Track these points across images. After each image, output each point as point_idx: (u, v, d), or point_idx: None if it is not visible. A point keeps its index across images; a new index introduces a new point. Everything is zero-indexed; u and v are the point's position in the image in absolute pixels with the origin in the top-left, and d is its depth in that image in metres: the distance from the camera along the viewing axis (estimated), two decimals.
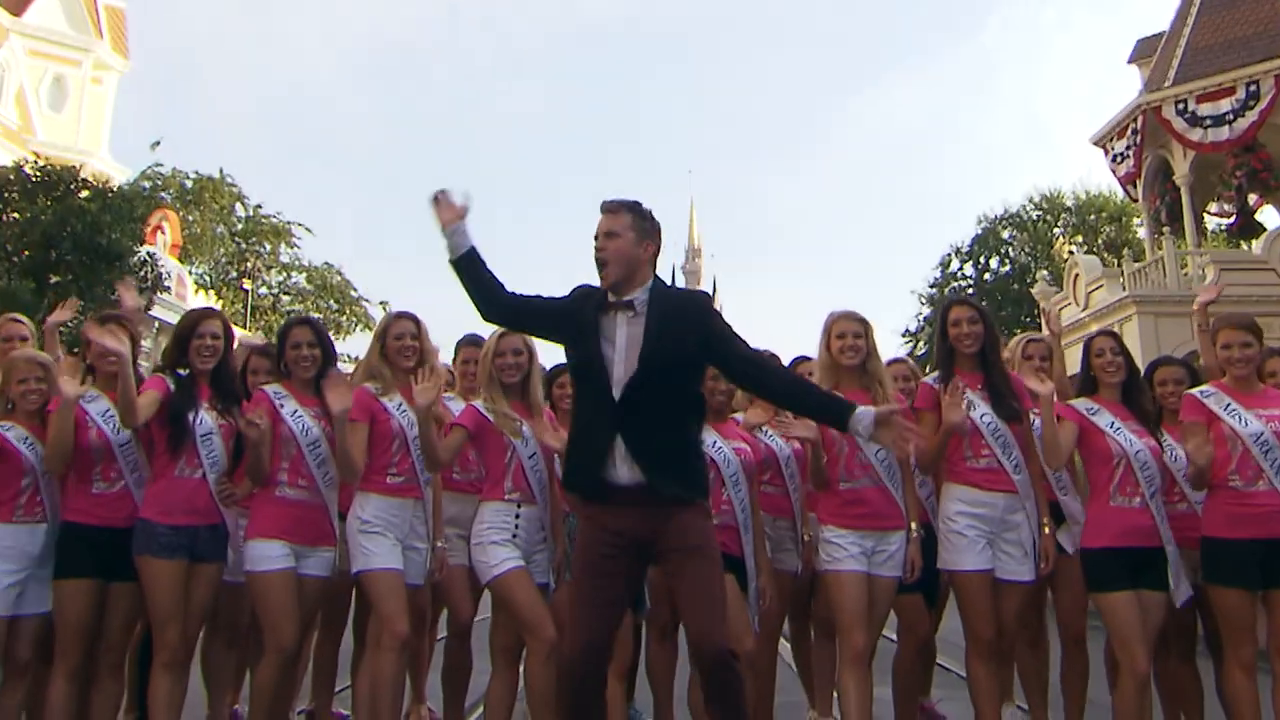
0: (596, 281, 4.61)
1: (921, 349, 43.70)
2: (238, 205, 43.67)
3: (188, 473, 5.38)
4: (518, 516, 5.54)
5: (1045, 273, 36.99)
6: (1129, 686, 5.31)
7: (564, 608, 5.17)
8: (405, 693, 6.17)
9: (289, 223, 44.50)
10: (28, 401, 5.36)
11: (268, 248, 44.01)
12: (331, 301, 44.94)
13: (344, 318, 44.97)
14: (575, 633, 4.47)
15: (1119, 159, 25.29)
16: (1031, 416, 5.86)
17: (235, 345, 6.16)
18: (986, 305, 26.55)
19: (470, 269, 4.68)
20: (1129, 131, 24.50)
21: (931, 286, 45.52)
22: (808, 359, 6.55)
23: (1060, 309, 23.78)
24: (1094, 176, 51.33)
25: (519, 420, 5.59)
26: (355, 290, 45.59)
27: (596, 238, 4.59)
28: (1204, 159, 23.19)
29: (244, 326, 35.73)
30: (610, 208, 4.63)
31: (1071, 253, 37.36)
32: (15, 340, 6.10)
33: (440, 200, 4.72)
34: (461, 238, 4.67)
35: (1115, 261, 29.33)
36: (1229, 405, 5.41)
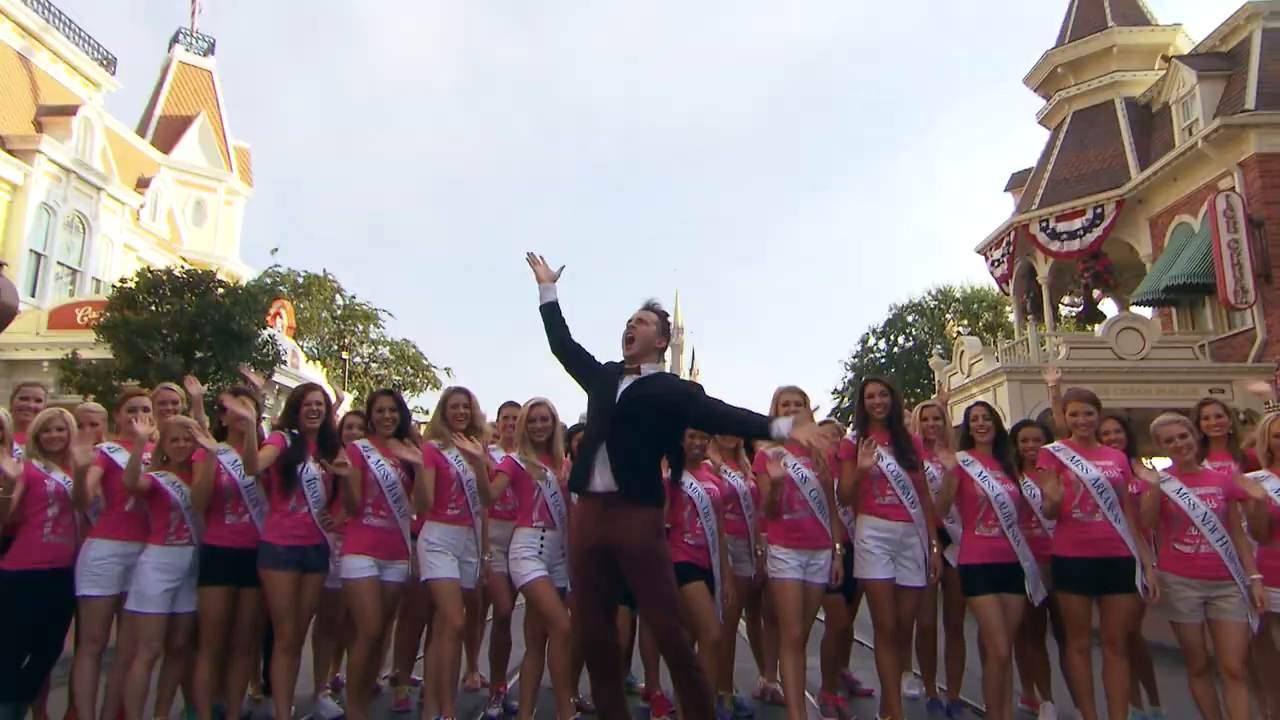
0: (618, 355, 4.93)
1: (846, 404, 43.70)
2: (337, 296, 43.59)
3: (297, 507, 5.44)
4: (542, 539, 5.61)
5: (939, 347, 37.10)
6: (993, 665, 5.37)
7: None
8: (462, 664, 6.28)
9: (377, 309, 44.48)
10: (179, 454, 5.43)
11: (360, 328, 43.83)
12: (409, 368, 44.69)
13: (418, 380, 44.84)
14: (581, 632, 4.60)
15: (996, 264, 25.28)
16: (927, 465, 5.96)
17: (336, 401, 6.23)
18: (894, 376, 26.64)
19: (551, 315, 5.02)
20: (1004, 243, 24.50)
21: (854, 357, 45.15)
22: None
23: (950, 377, 23.87)
24: (977, 275, 51.43)
25: (544, 468, 5.70)
26: (426, 359, 45.47)
27: (631, 322, 4.87)
28: (1060, 264, 23.24)
29: (344, 387, 35.68)
30: (648, 306, 4.95)
31: (959, 333, 37.32)
32: (169, 403, 6.08)
33: (533, 259, 5.10)
34: (550, 293, 5.05)
35: (992, 339, 29.29)
36: (1074, 457, 5.47)
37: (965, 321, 42.25)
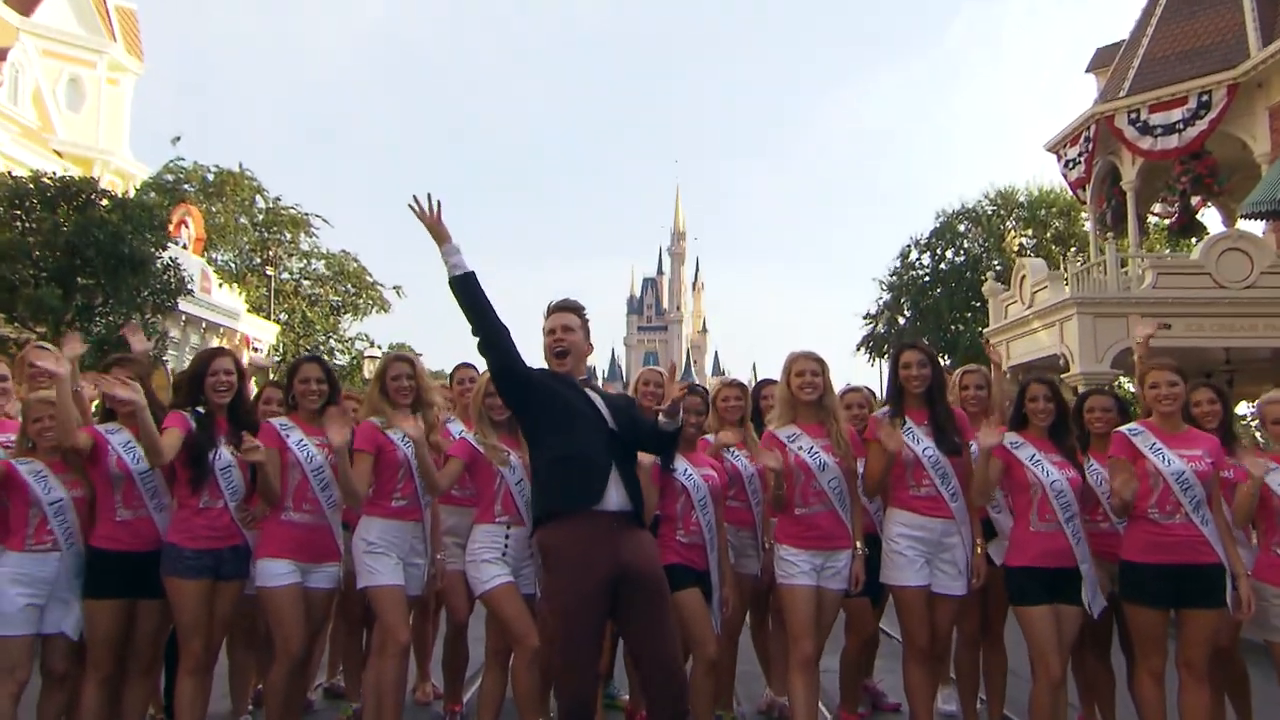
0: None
1: (881, 329, 43.91)
2: (258, 197, 43.16)
3: (210, 502, 5.40)
4: (507, 537, 5.62)
5: (997, 264, 36.81)
6: (1044, 688, 5.41)
7: (545, 619, 5.27)
8: (412, 673, 6.41)
9: (307, 214, 44.17)
10: (45, 439, 5.31)
11: (288, 237, 43.49)
12: (349, 286, 44.60)
13: (361, 300, 44.79)
14: (577, 680, 4.64)
15: (1070, 165, 25.03)
16: (972, 446, 5.94)
17: (247, 365, 6.19)
18: (940, 298, 26.40)
19: (469, 290, 4.89)
20: (1082, 139, 24.16)
21: (891, 274, 44.77)
22: (771, 382, 6.69)
23: (1007, 307, 23.73)
24: (1047, 175, 50.63)
25: (507, 451, 5.69)
26: (370, 275, 45.29)
27: (554, 331, 5.00)
28: (1151, 165, 22.76)
29: (269, 311, 35.62)
30: (564, 307, 5.08)
31: (1022, 246, 37.06)
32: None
33: (421, 210, 4.92)
34: (460, 258, 4.89)
35: (1062, 256, 29.01)
36: (1154, 445, 5.41)
37: (1030, 231, 41.97)
